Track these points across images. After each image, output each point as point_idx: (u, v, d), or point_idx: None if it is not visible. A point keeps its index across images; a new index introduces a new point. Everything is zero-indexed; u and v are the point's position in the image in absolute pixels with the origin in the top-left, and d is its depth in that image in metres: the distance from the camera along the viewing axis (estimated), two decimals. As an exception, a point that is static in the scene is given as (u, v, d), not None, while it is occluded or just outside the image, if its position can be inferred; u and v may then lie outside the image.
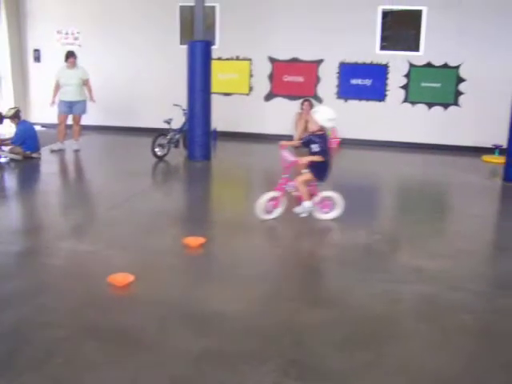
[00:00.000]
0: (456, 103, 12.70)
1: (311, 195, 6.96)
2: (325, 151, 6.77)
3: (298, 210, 6.99)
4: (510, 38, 11.83)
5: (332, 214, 7.08)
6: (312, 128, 6.81)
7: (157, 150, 10.66)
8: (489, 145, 11.85)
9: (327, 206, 7.07)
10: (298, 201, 6.98)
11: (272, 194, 6.94)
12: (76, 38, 14.23)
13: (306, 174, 6.90)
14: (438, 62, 12.70)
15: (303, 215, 6.96)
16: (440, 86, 12.79)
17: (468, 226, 7.19)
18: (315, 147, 6.78)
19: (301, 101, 12.96)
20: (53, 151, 11.21)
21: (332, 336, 4.16)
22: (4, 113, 10.59)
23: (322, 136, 6.78)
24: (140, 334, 4.12)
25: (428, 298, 4.90)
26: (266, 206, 6.92)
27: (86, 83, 11.33)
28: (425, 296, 4.93)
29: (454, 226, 7.35)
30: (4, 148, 10.22)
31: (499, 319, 4.60)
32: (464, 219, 7.44)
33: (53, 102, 11.31)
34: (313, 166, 6.85)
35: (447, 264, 5.78)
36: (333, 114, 6.76)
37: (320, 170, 6.89)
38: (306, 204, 6.92)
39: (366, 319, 4.46)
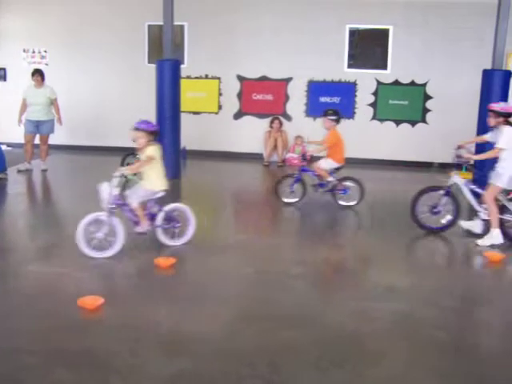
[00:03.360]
0: (424, 120, 12.85)
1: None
2: None
3: None
4: (473, 56, 12.01)
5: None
6: None
7: (126, 169, 10.53)
8: (456, 161, 11.94)
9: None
10: None
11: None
12: (43, 57, 14.09)
13: None
14: (405, 80, 12.85)
15: None
16: (407, 103, 12.94)
17: (435, 244, 7.25)
18: None
19: (270, 119, 13.00)
20: (20, 171, 11.03)
21: (307, 356, 4.12)
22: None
23: None
24: (111, 357, 4.04)
25: (400, 315, 4.90)
26: None
27: (53, 103, 11.18)
28: (397, 313, 4.93)
29: (423, 244, 7.40)
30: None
31: (470, 334, 4.62)
32: (431, 237, 7.48)
33: (20, 121, 11.15)
34: None
35: (418, 280, 5.80)
36: None
37: None
38: None
39: (340, 338, 4.44)
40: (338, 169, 8.80)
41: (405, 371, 3.98)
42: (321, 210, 8.78)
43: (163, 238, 6.57)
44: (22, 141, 11.31)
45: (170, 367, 3.91)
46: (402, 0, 12.48)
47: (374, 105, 13.08)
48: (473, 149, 7.62)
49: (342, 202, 8.80)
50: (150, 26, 13.39)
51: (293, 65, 13.07)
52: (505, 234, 7.12)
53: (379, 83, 12.95)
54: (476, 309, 5.26)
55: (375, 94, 13.02)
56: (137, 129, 6.43)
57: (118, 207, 6.26)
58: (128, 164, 10.56)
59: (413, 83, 12.82)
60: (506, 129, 6.97)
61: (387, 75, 12.90)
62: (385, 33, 12.76)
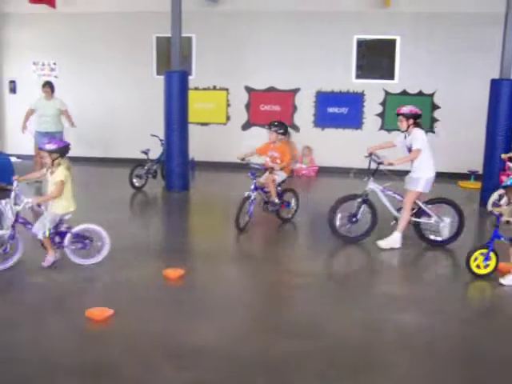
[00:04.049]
0: (431, 130, 12.82)
1: None
2: None
3: None
4: (480, 66, 11.99)
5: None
6: None
7: (134, 180, 10.61)
8: (465, 170, 11.96)
9: None
10: None
11: None
12: (52, 69, 14.19)
13: None
14: (412, 90, 12.86)
15: None
16: (415, 113, 12.92)
17: (444, 253, 7.23)
18: None
19: (278, 129, 12.99)
20: (29, 183, 11.08)
21: (311, 366, 4.12)
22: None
23: None
24: (120, 369, 4.04)
25: (404, 325, 4.89)
26: None
27: (63, 113, 11.25)
28: (401, 324, 4.91)
29: (430, 253, 7.36)
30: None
31: (479, 343, 4.60)
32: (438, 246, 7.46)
33: (24, 128, 11.21)
34: None
35: (423, 291, 5.79)
36: None
37: None
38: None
39: (343, 349, 4.43)
40: (284, 181, 8.67)
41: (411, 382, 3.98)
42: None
43: (73, 258, 6.32)
44: (32, 152, 11.37)
45: (177, 379, 3.92)
46: (408, 11, 12.50)
47: (382, 115, 13.08)
48: (385, 153, 7.50)
49: (284, 215, 8.59)
50: (158, 38, 13.48)
51: (300, 76, 13.10)
52: (422, 236, 7.32)
53: (387, 93, 12.97)
54: (483, 319, 5.23)
55: (383, 104, 13.03)
56: (40, 149, 6.28)
57: (21, 225, 6.24)
58: (137, 176, 10.64)
59: (420, 93, 12.82)
60: (419, 132, 7.05)
61: (395, 85, 12.91)
62: (392, 43, 12.78)
